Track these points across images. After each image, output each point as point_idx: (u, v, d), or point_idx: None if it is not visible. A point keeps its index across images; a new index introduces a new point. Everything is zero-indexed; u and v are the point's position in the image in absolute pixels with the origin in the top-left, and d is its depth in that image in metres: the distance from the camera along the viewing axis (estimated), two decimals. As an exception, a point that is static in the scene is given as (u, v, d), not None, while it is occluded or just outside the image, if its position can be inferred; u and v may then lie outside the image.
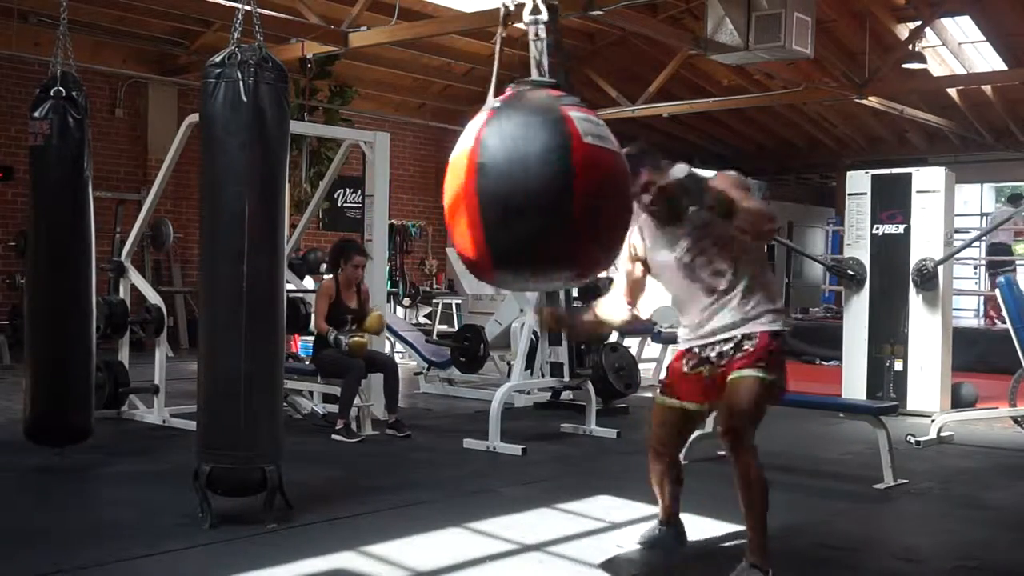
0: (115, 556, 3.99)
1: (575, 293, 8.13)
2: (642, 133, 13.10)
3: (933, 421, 7.05)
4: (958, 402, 8.32)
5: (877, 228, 8.44)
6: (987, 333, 11.60)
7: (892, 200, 8.38)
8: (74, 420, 5.47)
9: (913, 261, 8.23)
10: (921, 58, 12.45)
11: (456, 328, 10.99)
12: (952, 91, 14.39)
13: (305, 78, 11.93)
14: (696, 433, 4.93)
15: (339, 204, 14.38)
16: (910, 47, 12.34)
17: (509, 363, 8.48)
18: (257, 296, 4.38)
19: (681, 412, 3.98)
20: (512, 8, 3.34)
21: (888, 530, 4.92)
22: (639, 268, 4.03)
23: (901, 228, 8.33)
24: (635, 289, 4.09)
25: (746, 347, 3.75)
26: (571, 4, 9.25)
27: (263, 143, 4.39)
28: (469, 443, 6.50)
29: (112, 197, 11.85)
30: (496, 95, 3.13)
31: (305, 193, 11.86)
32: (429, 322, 13.71)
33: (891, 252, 8.35)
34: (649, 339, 9.67)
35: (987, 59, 13.36)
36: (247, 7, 4.48)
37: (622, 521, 4.62)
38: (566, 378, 7.21)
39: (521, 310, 8.40)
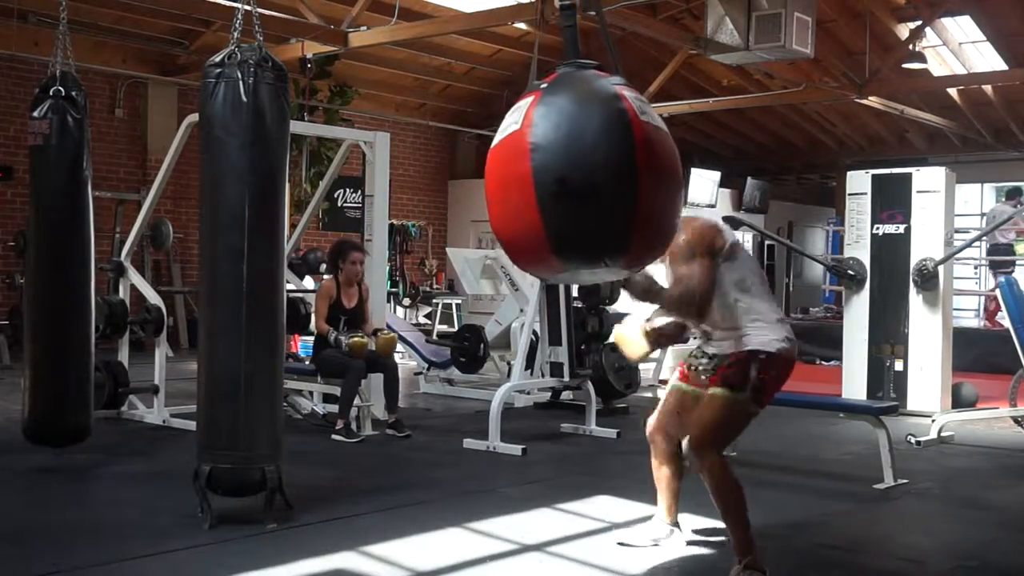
0: (115, 556, 3.99)
1: (575, 293, 8.12)
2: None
3: (933, 421, 7.04)
4: (958, 402, 8.31)
5: (877, 228, 8.43)
6: (987, 333, 11.60)
7: (892, 200, 8.38)
8: (73, 420, 5.46)
9: (913, 261, 8.22)
10: (921, 58, 12.46)
11: (456, 328, 10.98)
12: (952, 91, 14.39)
13: (305, 78, 11.93)
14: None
15: (339, 204, 14.38)
16: (910, 47, 12.35)
17: (509, 363, 8.47)
18: (257, 296, 4.38)
19: (678, 392, 4.11)
20: None
21: (888, 530, 4.92)
22: None
23: (901, 228, 8.33)
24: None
25: (724, 364, 3.87)
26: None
27: (263, 143, 4.39)
28: (469, 443, 6.49)
29: (112, 197, 11.86)
30: (537, 79, 2.99)
31: (305, 193, 11.86)
32: (429, 322, 13.70)
33: (891, 252, 8.35)
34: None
35: (987, 59, 13.35)
36: (247, 7, 4.48)
37: (622, 521, 4.61)
38: (566, 378, 7.20)
39: (521, 310, 8.40)
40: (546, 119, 2.85)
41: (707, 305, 3.80)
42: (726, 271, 3.85)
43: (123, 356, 7.22)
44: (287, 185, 5.02)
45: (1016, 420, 7.56)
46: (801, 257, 17.63)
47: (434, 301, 14.06)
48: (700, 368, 4.00)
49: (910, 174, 8.44)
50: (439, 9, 11.54)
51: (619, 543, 4.29)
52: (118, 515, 4.68)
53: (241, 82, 4.31)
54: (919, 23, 12.31)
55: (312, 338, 7.39)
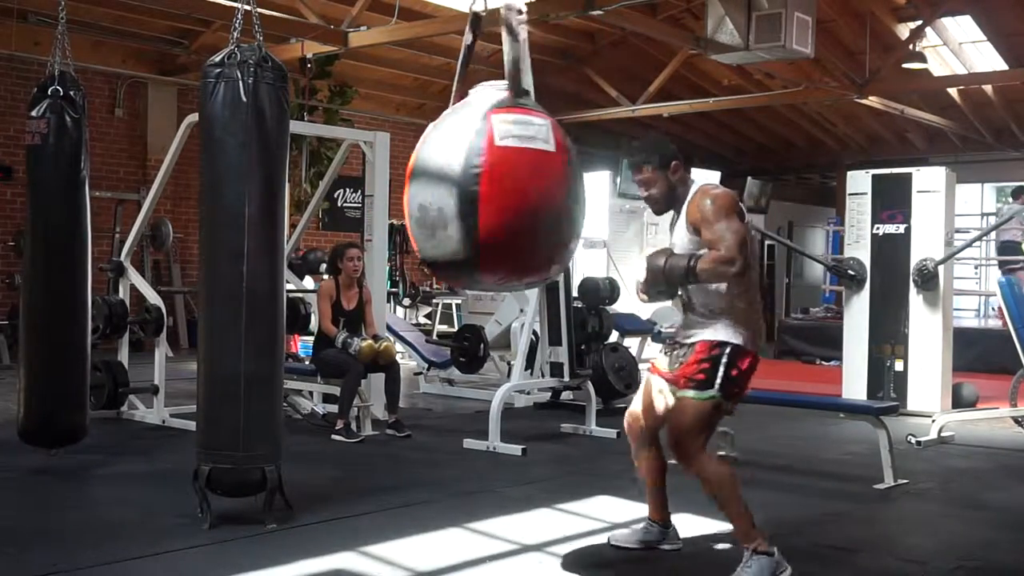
0: (115, 556, 3.99)
1: (575, 293, 8.12)
2: (642, 134, 13.10)
3: (934, 421, 7.04)
4: (959, 402, 8.31)
5: (877, 228, 8.43)
6: (987, 333, 11.60)
7: (892, 200, 8.38)
8: (68, 421, 5.45)
9: (913, 261, 8.22)
10: (922, 58, 12.45)
11: (456, 328, 10.97)
12: (953, 91, 14.39)
13: (305, 78, 11.93)
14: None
15: (339, 204, 14.38)
16: (911, 47, 12.34)
17: (509, 363, 8.47)
18: (257, 296, 4.38)
19: (647, 385, 4.12)
20: (483, 12, 3.40)
21: (889, 530, 4.92)
22: None
23: (901, 228, 8.32)
24: None
25: (691, 352, 3.87)
26: (571, 4, 9.24)
27: (263, 143, 4.39)
28: (469, 443, 6.49)
29: (111, 197, 11.86)
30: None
31: (305, 193, 11.86)
32: (429, 322, 13.70)
33: (891, 252, 8.34)
34: (649, 339, 9.66)
35: (988, 59, 13.34)
36: (247, 7, 4.47)
37: (622, 521, 4.61)
38: (566, 378, 7.20)
39: (521, 310, 8.40)
40: (427, 144, 3.11)
41: (748, 260, 3.72)
42: None
43: (123, 356, 7.23)
44: (287, 185, 5.02)
45: (1016, 420, 7.56)
46: (801, 257, 17.63)
47: (434, 301, 14.05)
48: (675, 355, 3.98)
49: (910, 174, 8.45)
50: (439, 9, 11.52)
51: (611, 544, 4.28)
52: (118, 515, 4.68)
53: (241, 82, 4.30)
54: (919, 23, 12.30)
55: (312, 338, 7.39)
